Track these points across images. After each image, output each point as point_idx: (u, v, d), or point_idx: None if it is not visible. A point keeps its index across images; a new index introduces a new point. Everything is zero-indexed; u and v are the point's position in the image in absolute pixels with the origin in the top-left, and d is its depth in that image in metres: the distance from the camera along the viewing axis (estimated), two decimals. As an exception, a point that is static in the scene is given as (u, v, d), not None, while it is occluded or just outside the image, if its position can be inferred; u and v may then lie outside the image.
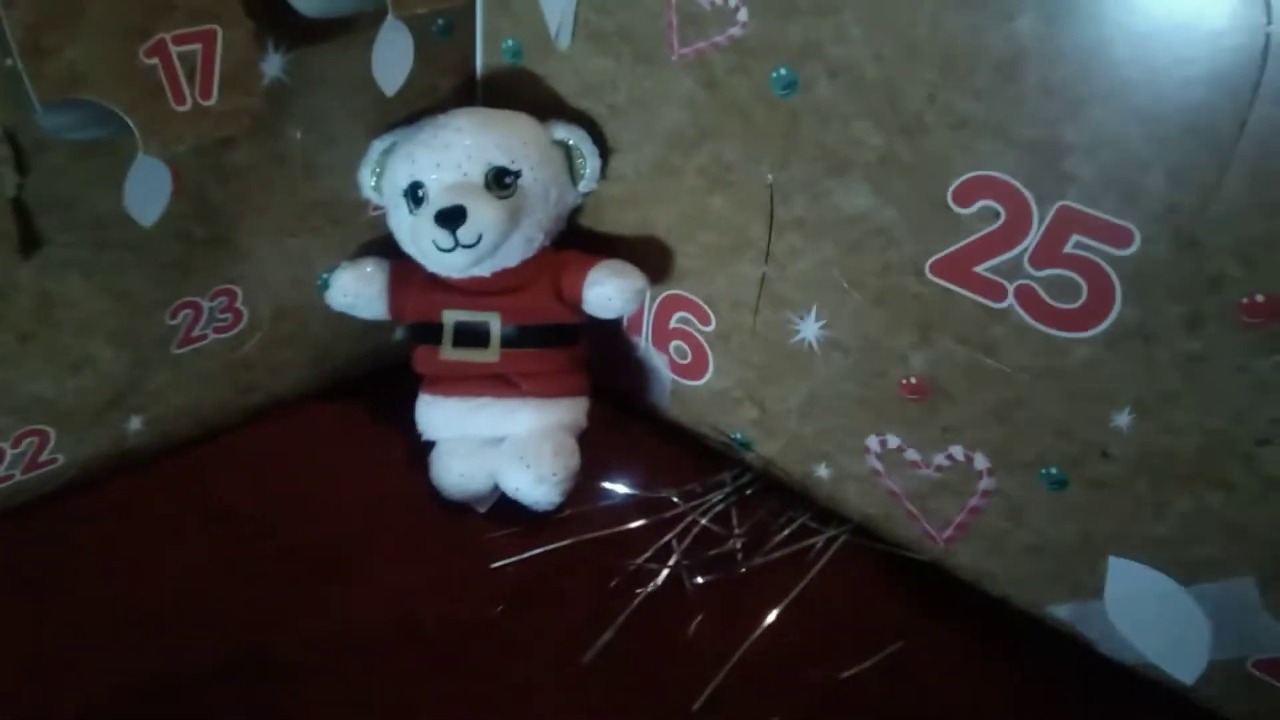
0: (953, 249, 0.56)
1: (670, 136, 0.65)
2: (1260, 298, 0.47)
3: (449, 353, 0.68)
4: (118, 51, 0.52)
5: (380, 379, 0.66)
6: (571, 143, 0.68)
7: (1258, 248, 0.47)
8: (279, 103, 0.62)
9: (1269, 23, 0.43)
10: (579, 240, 0.72)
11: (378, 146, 0.68)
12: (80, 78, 0.51)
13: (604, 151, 0.69)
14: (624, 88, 0.66)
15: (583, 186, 0.69)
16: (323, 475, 0.69)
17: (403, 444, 0.72)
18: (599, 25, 0.66)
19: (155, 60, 0.53)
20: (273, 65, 0.61)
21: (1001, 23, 0.50)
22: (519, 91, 0.71)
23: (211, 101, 0.55)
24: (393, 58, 0.62)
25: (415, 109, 0.68)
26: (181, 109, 0.54)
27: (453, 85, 0.72)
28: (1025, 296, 0.54)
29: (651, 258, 0.69)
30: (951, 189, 0.54)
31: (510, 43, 0.71)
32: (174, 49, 0.53)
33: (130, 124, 0.52)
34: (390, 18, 0.60)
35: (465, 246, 0.63)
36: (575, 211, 0.71)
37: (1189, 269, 0.49)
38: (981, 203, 0.54)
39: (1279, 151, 0.44)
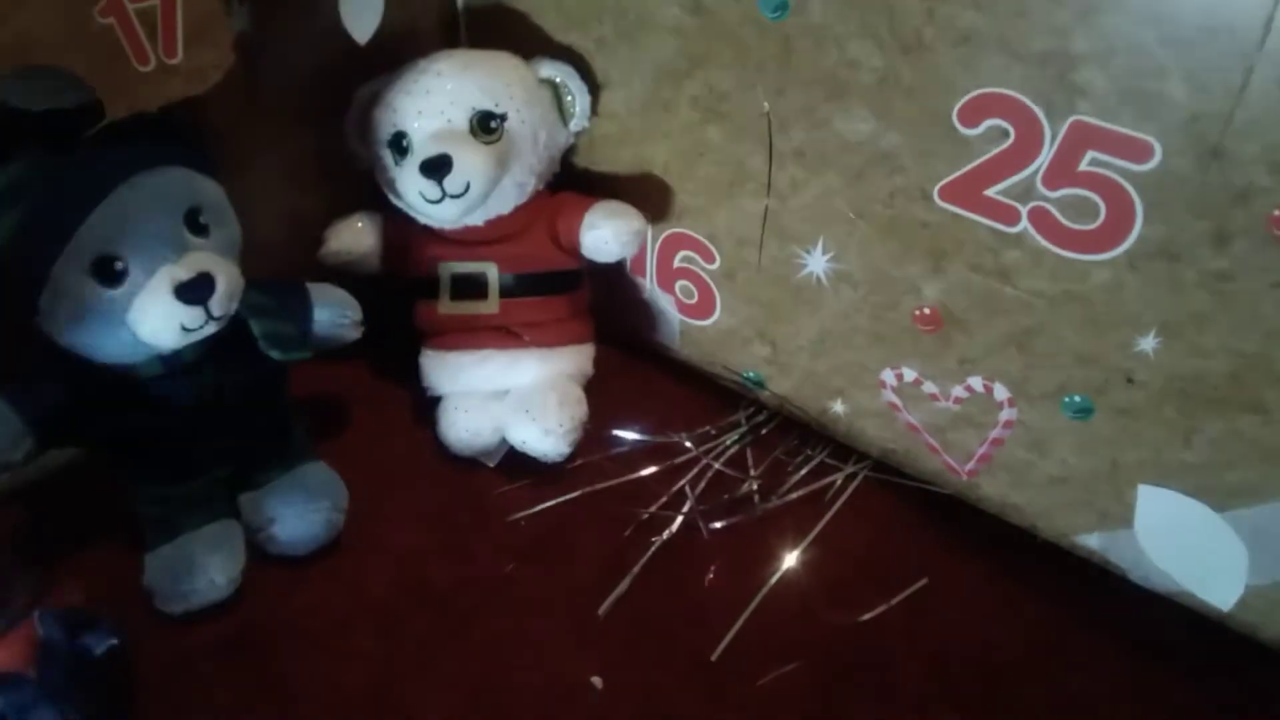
0: (961, 172, 0.53)
1: (660, 68, 0.62)
2: (1291, 208, 0.44)
3: (448, 306, 0.67)
4: (70, 13, 0.49)
5: (380, 336, 0.65)
6: (559, 80, 0.65)
7: (1289, 155, 0.43)
8: (249, 56, 0.59)
9: (1295, -93, 0.39)
10: (574, 182, 0.69)
11: (360, 96, 0.65)
12: (33, 44, 0.49)
13: (593, 87, 0.66)
14: (609, 20, 0.63)
15: (573, 125, 0.66)
16: (328, 437, 0.68)
17: (408, 402, 0.71)
18: (579, -46, 0.62)
19: (111, 19, 0.51)
20: (239, 18, 0.58)
21: (1002, -75, 0.46)
22: (502, 29, 0.68)
23: (176, 59, 0.53)
24: (362, 4, 0.59)
25: (396, 54, 0.65)
26: (144, 69, 0.52)
27: (433, 26, 0.69)
28: (1040, 219, 0.51)
29: (650, 196, 0.67)
30: (956, 109, 0.51)
31: (490, -24, 0.68)
32: (131, 6, 0.51)
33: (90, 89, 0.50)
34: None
35: (453, 196, 0.61)
36: (568, 152, 0.69)
37: (1215, 182, 0.45)
38: (989, 122, 0.50)
39: (1309, 51, 0.41)
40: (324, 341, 0.62)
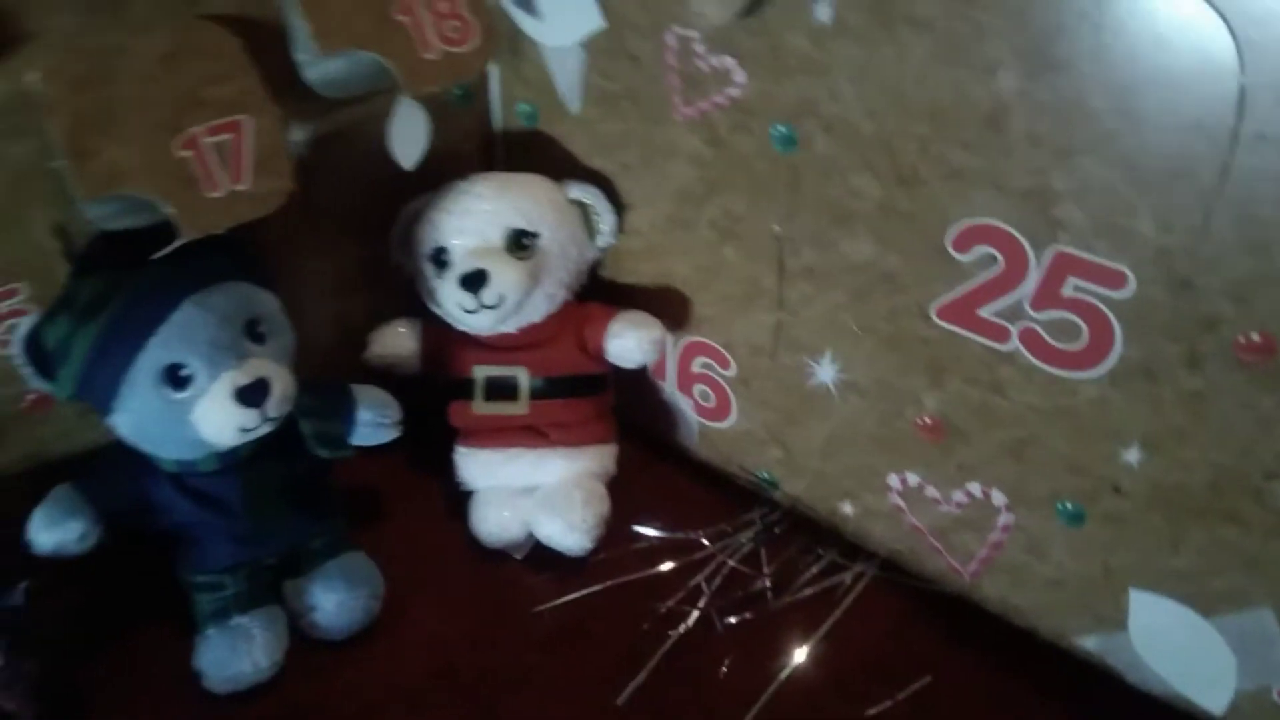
0: (956, 294, 0.57)
1: (680, 192, 0.67)
2: (1255, 336, 0.48)
3: (481, 406, 0.71)
4: (153, 148, 0.55)
5: (418, 434, 0.69)
6: (587, 201, 0.70)
7: (1248, 287, 0.47)
8: (306, 180, 0.65)
9: (1243, 72, 0.43)
10: (601, 292, 0.74)
11: (405, 213, 0.71)
12: (120, 174, 0.55)
13: (619, 207, 0.71)
14: (634, 147, 0.69)
15: (600, 242, 0.71)
16: (367, 527, 0.72)
17: (442, 495, 0.75)
18: (607, 88, 0.68)
19: (189, 152, 0.56)
20: (299, 146, 0.65)
21: (984, 77, 0.51)
22: (536, 152, 0.74)
23: (244, 185, 0.58)
24: (409, 134, 0.64)
25: (438, 175, 0.71)
26: (215, 194, 0.57)
27: (473, 148, 0.75)
28: (1029, 338, 0.55)
29: (670, 307, 0.72)
30: (950, 236, 0.56)
31: (525, 107, 0.74)
32: (206, 140, 0.57)
33: (168, 213, 0.56)
34: (401, 97, 0.62)
35: (488, 307, 0.66)
36: (596, 264, 0.74)
37: (1184, 309, 0.49)
38: (979, 249, 0.55)
39: (1262, 194, 0.45)
40: (366, 439, 0.66)
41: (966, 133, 0.53)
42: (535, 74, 0.72)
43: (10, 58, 0.54)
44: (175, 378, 0.57)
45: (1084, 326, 0.53)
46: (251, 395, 0.57)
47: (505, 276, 0.65)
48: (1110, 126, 0.48)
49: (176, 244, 0.55)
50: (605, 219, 0.70)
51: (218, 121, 0.57)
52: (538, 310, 0.69)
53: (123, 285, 0.57)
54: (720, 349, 0.71)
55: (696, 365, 0.73)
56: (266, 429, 0.59)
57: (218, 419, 0.57)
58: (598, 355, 0.71)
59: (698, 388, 0.74)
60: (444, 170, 0.71)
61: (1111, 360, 0.53)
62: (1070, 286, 0.52)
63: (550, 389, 0.71)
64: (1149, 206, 0.48)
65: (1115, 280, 0.51)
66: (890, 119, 0.55)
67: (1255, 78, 0.43)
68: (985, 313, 0.56)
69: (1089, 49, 0.47)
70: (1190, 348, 0.50)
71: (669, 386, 0.76)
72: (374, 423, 0.66)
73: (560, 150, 0.73)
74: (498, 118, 0.76)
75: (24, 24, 0.54)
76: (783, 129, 0.60)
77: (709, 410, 0.75)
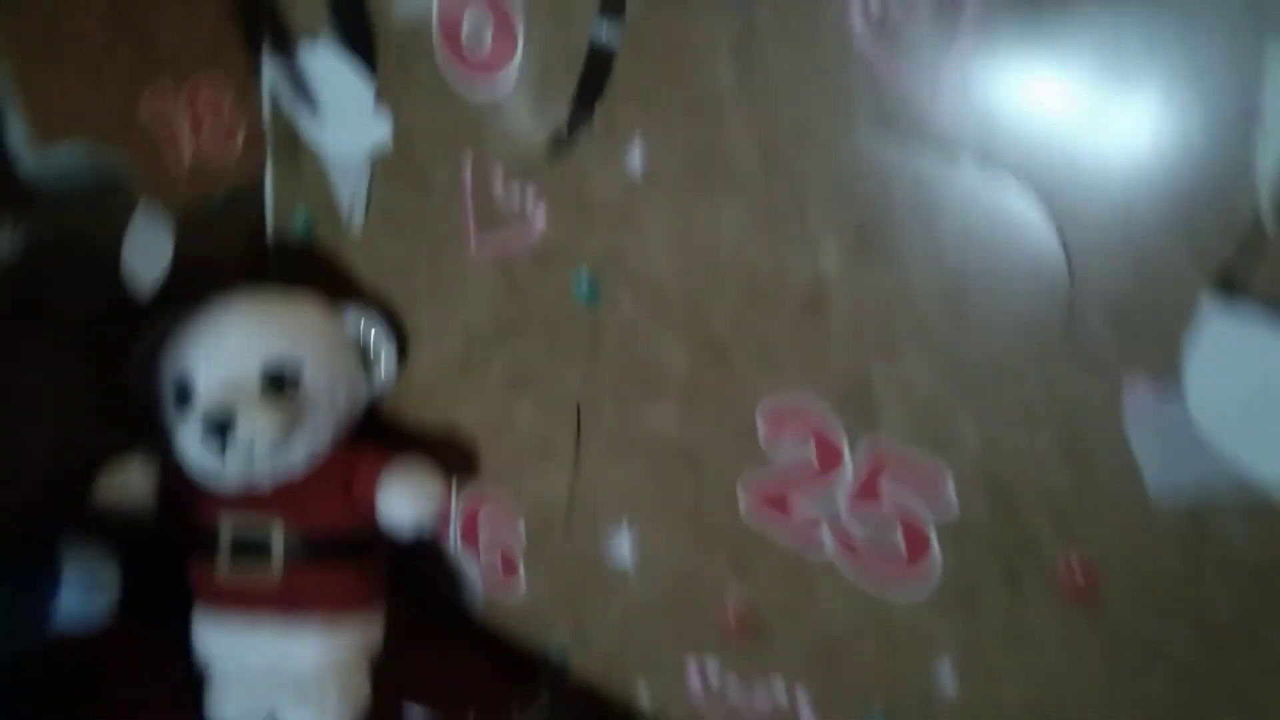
0: (764, 479, 0.51)
1: (471, 331, 0.60)
2: (1074, 562, 0.43)
3: (226, 567, 0.60)
4: None
5: (151, 594, 0.58)
6: (364, 332, 0.61)
7: (1071, 511, 0.43)
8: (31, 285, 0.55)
9: (1072, 284, 0.40)
10: (376, 435, 0.65)
11: (147, 333, 0.61)
12: None
13: (402, 341, 0.63)
14: (422, 276, 0.61)
15: (377, 381, 0.63)
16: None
17: (175, 676, 0.62)
18: (395, 208, 0.61)
19: None
20: (12, 247, 0.54)
21: (806, 256, 0.46)
22: (312, 268, 0.65)
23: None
24: (148, 250, 0.55)
25: (193, 285, 0.60)
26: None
27: (240, 258, 0.65)
28: (842, 538, 0.50)
29: (455, 456, 0.64)
30: (759, 415, 0.50)
31: (302, 217, 0.65)
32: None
33: None
34: (142, 203, 0.53)
35: (235, 455, 0.56)
36: (374, 402, 0.65)
37: (1004, 525, 0.45)
38: (790, 433, 0.49)
39: (1088, 412, 0.41)
40: (76, 611, 0.55)
41: (783, 309, 0.47)
42: (316, 181, 0.63)
43: None
44: None
45: (899, 531, 0.48)
46: None
47: (256, 422, 0.56)
48: (935, 320, 0.43)
49: None
50: (384, 355, 0.62)
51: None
52: (296, 459, 0.60)
53: None
54: (509, 508, 0.63)
55: (483, 522, 0.65)
56: None
57: None
58: (367, 511, 0.61)
59: (483, 547, 0.66)
60: (201, 282, 0.61)
61: (927, 571, 0.48)
62: (887, 485, 0.47)
63: (309, 550, 0.60)
64: (971, 409, 0.44)
65: (933, 484, 0.46)
66: (702, 284, 0.50)
67: (1085, 289, 0.39)
68: (795, 504, 0.51)
69: (917, 237, 0.43)
70: (1010, 566, 0.45)
71: (451, 544, 0.68)
72: (86, 590, 0.55)
73: (339, 269, 0.65)
74: (269, 224, 0.67)
75: None
76: (585, 279, 0.53)
77: (495, 574, 0.66)
